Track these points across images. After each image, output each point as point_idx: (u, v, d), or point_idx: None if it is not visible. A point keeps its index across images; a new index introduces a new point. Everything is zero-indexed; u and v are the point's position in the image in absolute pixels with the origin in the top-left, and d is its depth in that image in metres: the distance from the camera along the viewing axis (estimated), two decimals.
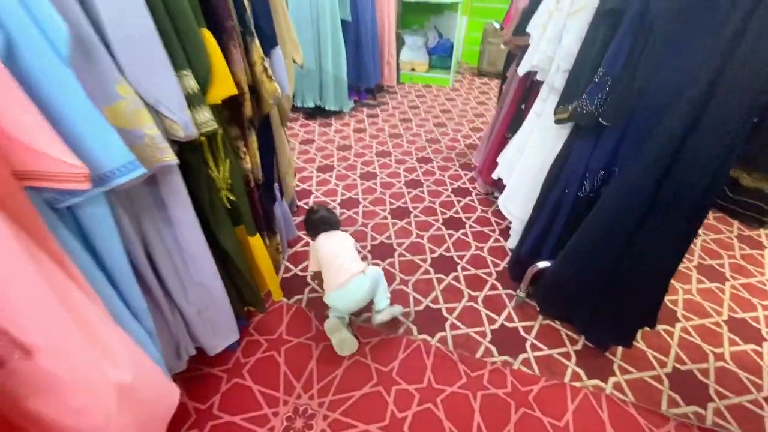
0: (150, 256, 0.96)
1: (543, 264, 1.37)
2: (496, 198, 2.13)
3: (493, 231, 1.93)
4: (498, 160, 1.89)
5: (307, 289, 1.57)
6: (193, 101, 0.81)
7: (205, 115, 0.83)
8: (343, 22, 2.77)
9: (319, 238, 1.43)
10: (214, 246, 1.09)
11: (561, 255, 1.27)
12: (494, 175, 1.86)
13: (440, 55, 4.04)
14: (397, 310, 1.36)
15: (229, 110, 1.06)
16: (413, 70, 4.01)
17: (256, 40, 1.02)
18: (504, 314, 1.49)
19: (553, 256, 1.37)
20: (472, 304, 1.53)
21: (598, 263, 1.18)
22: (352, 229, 1.91)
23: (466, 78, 4.23)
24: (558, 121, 1.22)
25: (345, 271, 1.30)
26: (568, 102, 1.15)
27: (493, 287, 1.60)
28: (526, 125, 1.63)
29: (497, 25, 4.00)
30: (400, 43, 3.78)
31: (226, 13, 0.92)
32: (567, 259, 1.25)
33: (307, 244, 1.79)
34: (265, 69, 1.05)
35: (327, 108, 2.99)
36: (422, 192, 2.22)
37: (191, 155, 0.91)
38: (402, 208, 2.07)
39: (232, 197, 1.09)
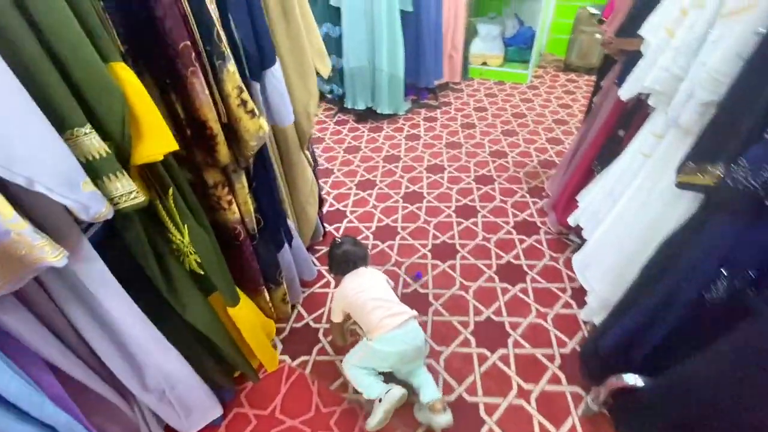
0: (88, 343, 0.76)
1: (632, 379, 0.95)
2: (572, 241, 1.67)
3: (564, 290, 1.49)
4: (578, 198, 1.44)
5: (315, 349, 1.31)
6: (101, 169, 0.55)
7: (124, 186, 0.58)
8: (403, 13, 2.41)
9: (345, 281, 1.17)
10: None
11: (672, 382, 0.84)
12: (571, 220, 1.42)
13: (519, 47, 3.47)
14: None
15: (203, 153, 0.81)
16: (485, 64, 3.50)
17: (231, 64, 0.74)
18: (566, 426, 1.09)
19: (646, 365, 0.94)
20: (521, 402, 1.15)
21: (743, 410, 0.74)
22: (383, 268, 1.61)
23: (549, 73, 3.61)
24: (683, 185, 0.77)
25: (398, 314, 1.06)
26: (708, 159, 0.71)
27: (555, 379, 1.20)
28: (625, 163, 1.17)
29: (594, 11, 3.30)
30: (471, 33, 3.31)
31: (179, 30, 0.65)
32: (683, 391, 0.82)
33: (328, 284, 1.54)
34: (244, 102, 0.77)
35: (379, 111, 2.68)
36: (476, 224, 1.83)
37: (125, 225, 0.67)
38: (448, 245, 1.71)
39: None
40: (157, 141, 0.60)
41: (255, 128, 0.80)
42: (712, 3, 0.76)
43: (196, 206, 0.78)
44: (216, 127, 0.76)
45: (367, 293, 1.10)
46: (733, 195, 0.65)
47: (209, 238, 0.81)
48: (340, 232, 1.82)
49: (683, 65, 0.82)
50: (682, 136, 0.88)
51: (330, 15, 2.49)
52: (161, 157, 0.64)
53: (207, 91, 0.72)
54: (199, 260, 0.84)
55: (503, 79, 3.46)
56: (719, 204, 0.72)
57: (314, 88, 1.26)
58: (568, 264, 1.59)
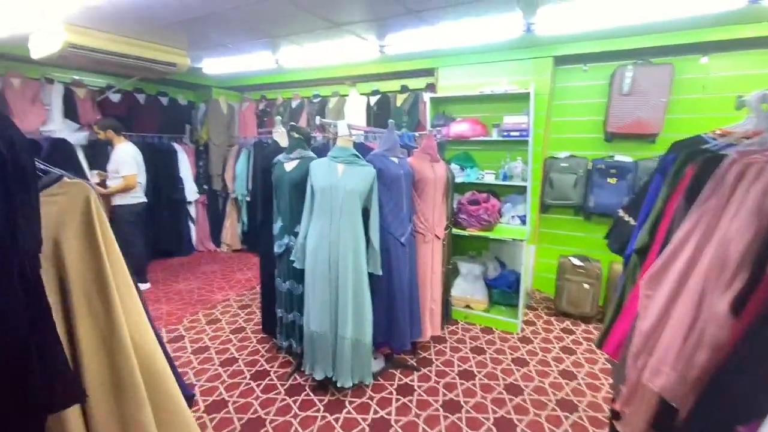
0: None
1: None
2: None
3: None
4: None
5: None
6: None
7: None
8: (372, 275, 2.19)
9: None
10: None
11: None
12: None
13: (503, 290, 3.26)
14: None
15: None
16: (468, 307, 3.22)
17: None
18: None
19: None
20: None
21: None
22: None
23: (540, 317, 3.29)
24: None
25: None
26: None
27: None
28: None
29: (577, 262, 3.25)
30: (451, 278, 3.14)
31: None
32: None
33: None
34: None
35: (340, 385, 2.17)
36: None
37: None
38: None
39: None
40: None
41: None
42: None
43: None
44: None
45: None
46: None
47: None
48: None
49: None
50: None
51: (293, 272, 2.27)
52: None
53: None
54: None
55: (490, 326, 3.11)
56: None
57: None
58: None
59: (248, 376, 2.40)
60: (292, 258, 2.20)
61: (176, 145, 4.90)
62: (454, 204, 3.18)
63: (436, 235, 2.58)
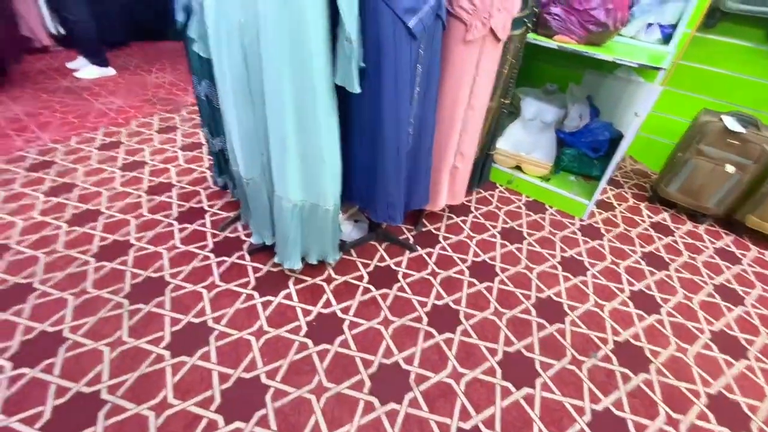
0: None
1: None
2: None
3: None
4: None
5: None
6: None
7: None
8: (344, 93, 1.12)
9: None
10: None
11: None
12: None
13: (582, 152, 2.09)
14: None
15: None
16: (518, 168, 2.15)
17: None
18: None
19: None
20: None
21: None
22: None
23: (623, 200, 2.19)
24: None
25: None
26: None
27: None
28: None
29: (737, 126, 1.86)
30: (504, 121, 1.94)
31: None
32: None
33: None
34: None
35: (283, 264, 1.41)
36: None
37: None
38: None
39: None
40: None
41: None
42: None
43: None
44: None
45: None
46: None
47: None
48: None
49: None
50: None
51: (208, 65, 1.25)
52: None
53: None
54: None
55: (542, 201, 2.09)
56: None
57: None
58: None
59: (175, 214, 1.73)
60: (191, 35, 1.14)
61: None
62: None
63: (492, 31, 1.31)
